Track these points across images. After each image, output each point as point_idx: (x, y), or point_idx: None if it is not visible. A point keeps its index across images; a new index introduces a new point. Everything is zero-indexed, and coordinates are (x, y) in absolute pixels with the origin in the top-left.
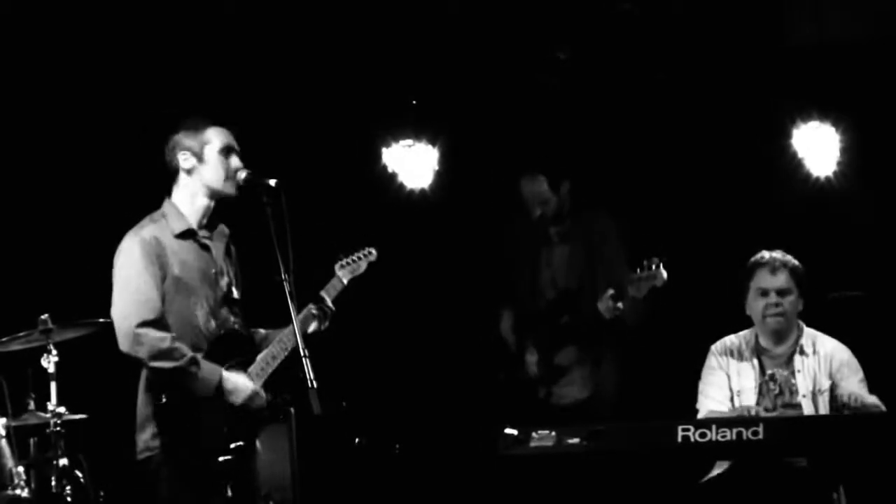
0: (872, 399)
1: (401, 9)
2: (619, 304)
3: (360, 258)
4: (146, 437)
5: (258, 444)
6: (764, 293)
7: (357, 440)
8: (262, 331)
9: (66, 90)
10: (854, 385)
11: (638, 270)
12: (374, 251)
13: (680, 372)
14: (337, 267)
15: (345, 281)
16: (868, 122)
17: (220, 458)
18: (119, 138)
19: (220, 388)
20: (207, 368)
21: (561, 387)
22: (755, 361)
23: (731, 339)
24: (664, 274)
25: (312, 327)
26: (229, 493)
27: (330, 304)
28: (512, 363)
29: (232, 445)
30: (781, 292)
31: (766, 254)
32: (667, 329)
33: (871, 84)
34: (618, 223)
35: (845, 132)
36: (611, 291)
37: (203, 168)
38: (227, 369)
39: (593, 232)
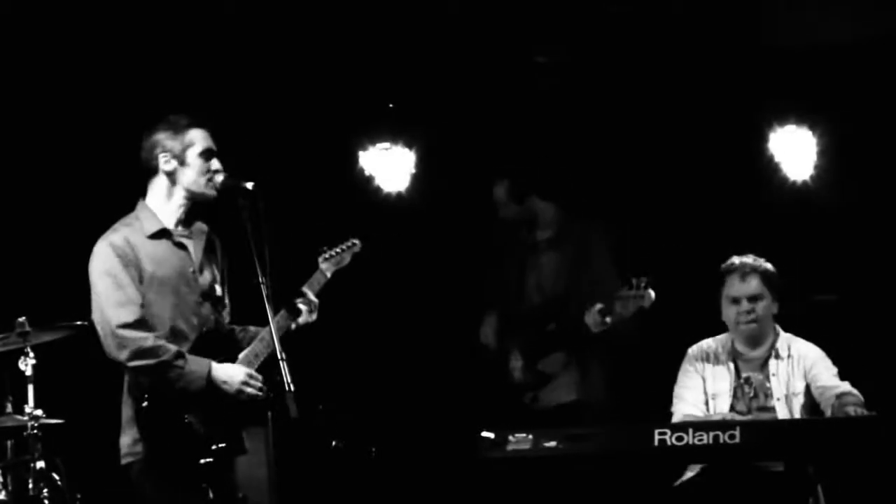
0: (846, 385)
1: (378, 12)
2: (607, 319)
3: (343, 249)
4: (128, 442)
5: (246, 443)
6: (735, 300)
7: (334, 443)
8: (251, 328)
9: (41, 93)
10: (828, 378)
11: (626, 288)
12: (357, 242)
13: (662, 375)
14: (320, 260)
15: (328, 275)
16: (845, 126)
17: (202, 461)
18: (95, 140)
19: (210, 380)
20: (195, 361)
21: (547, 392)
22: (731, 365)
23: (707, 343)
24: (652, 295)
25: (302, 319)
26: (211, 495)
27: (312, 297)
28: (493, 366)
29: (213, 447)
30: (753, 298)
31: (735, 260)
32: (647, 332)
33: (849, 87)
34: (608, 233)
35: (822, 136)
36: (599, 306)
37: (184, 171)
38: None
39: (582, 242)
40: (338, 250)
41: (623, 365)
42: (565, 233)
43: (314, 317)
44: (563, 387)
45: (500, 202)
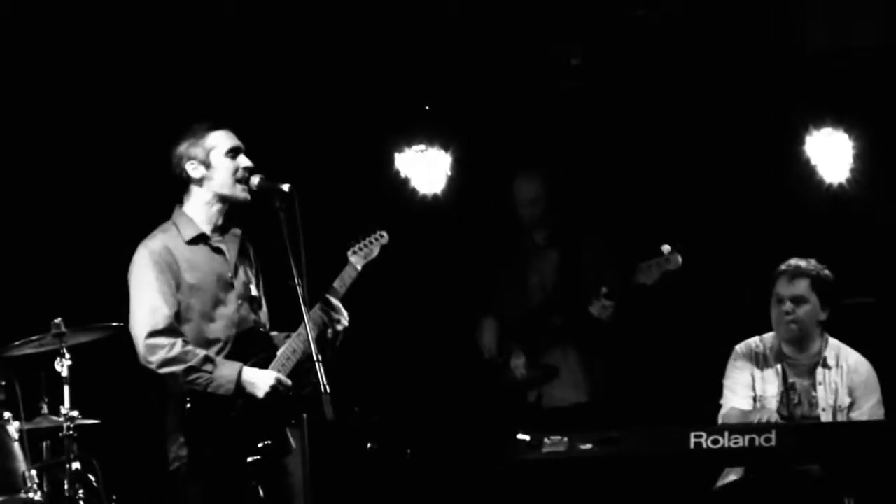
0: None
1: (414, 14)
2: (611, 303)
3: (371, 242)
4: (175, 448)
5: (290, 438)
6: (780, 300)
7: (369, 445)
8: (282, 335)
9: (79, 95)
10: (867, 409)
11: (650, 259)
12: (385, 234)
13: (681, 376)
14: (349, 253)
15: (359, 268)
16: (881, 129)
17: (249, 459)
18: (133, 144)
19: (240, 385)
20: (224, 365)
21: (553, 388)
22: (778, 367)
23: (755, 342)
24: (679, 259)
25: (329, 333)
26: (261, 493)
27: (337, 304)
28: (493, 369)
29: (259, 445)
30: (796, 300)
31: (790, 261)
32: (674, 332)
33: (885, 91)
34: (607, 234)
35: (858, 139)
36: (604, 290)
37: (212, 174)
38: (249, 366)
39: (584, 249)
40: (366, 243)
41: (627, 363)
42: (561, 231)
43: (344, 323)
44: (569, 387)
45: (534, 198)
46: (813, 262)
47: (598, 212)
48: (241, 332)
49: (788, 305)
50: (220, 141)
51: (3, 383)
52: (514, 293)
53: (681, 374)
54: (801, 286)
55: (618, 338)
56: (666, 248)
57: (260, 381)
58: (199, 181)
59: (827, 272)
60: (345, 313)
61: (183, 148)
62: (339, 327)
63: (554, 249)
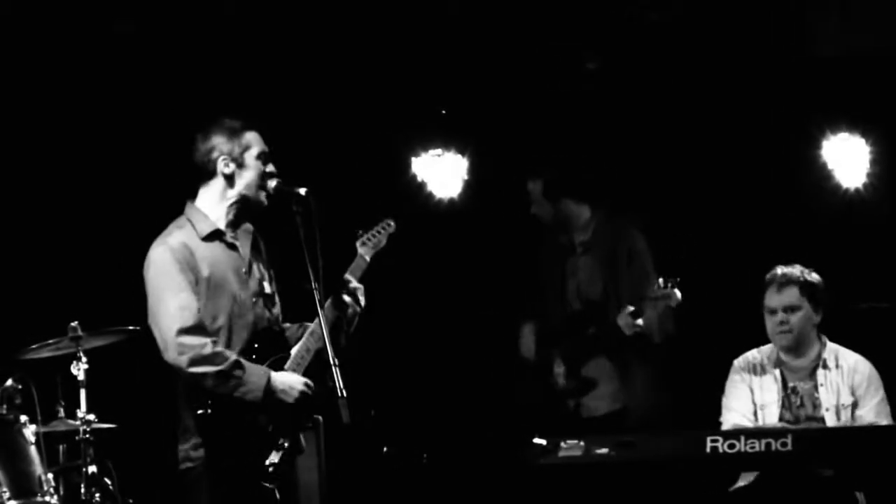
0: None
1: (431, 19)
2: (639, 322)
3: (380, 231)
4: (187, 448)
5: (302, 439)
6: (772, 312)
7: (385, 449)
8: (308, 325)
9: (91, 98)
10: (873, 406)
11: (654, 289)
12: (392, 222)
13: (709, 383)
14: (358, 244)
15: (368, 258)
16: None
17: (267, 462)
18: (145, 148)
19: (269, 389)
20: (253, 370)
21: (591, 399)
22: (777, 373)
23: (752, 354)
24: (678, 295)
25: (350, 311)
26: (277, 496)
27: (355, 283)
28: (534, 375)
29: (278, 446)
30: (787, 309)
31: (777, 270)
32: (696, 340)
33: None
34: (646, 235)
35: (875, 143)
36: (630, 308)
37: (242, 174)
38: (267, 367)
39: (619, 243)
40: (374, 233)
41: (666, 371)
42: (600, 236)
43: (362, 302)
44: (607, 396)
45: (535, 199)
46: (798, 267)
47: (637, 219)
48: (257, 331)
49: (781, 315)
50: (254, 142)
51: (20, 387)
52: (553, 299)
53: (699, 379)
54: (791, 294)
55: (652, 348)
56: (668, 282)
57: (290, 387)
58: (229, 178)
59: (814, 275)
60: (355, 297)
61: (217, 141)
62: (352, 311)
63: (589, 255)
